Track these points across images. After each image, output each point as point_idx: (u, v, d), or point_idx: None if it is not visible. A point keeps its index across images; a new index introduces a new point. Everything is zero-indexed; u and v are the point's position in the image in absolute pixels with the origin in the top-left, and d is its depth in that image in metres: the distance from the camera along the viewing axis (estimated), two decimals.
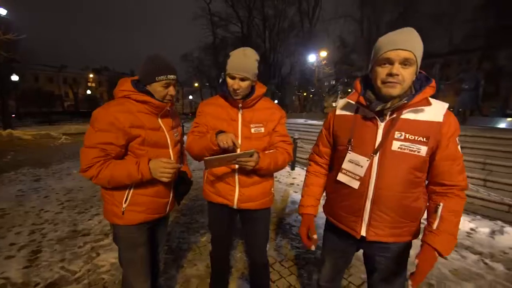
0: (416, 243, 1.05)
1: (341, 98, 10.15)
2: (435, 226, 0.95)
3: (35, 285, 2.09)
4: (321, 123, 9.46)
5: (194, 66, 27.99)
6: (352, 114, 1.09)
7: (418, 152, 0.95)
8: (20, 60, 16.14)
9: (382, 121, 0.99)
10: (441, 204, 0.96)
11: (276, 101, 21.27)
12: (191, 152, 1.43)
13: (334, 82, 21.02)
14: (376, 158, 0.99)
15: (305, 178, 1.32)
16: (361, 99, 1.01)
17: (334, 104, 9.68)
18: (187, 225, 3.17)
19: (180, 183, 1.41)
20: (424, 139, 0.94)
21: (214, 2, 25.13)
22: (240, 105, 1.39)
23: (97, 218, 3.39)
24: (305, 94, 24.66)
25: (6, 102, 14.80)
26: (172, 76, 1.24)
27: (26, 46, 17.08)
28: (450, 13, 23.07)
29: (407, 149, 0.95)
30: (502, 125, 6.95)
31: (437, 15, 22.11)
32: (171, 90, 1.28)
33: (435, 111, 0.96)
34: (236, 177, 1.40)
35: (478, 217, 3.43)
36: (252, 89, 1.41)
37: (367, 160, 1.00)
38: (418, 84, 0.98)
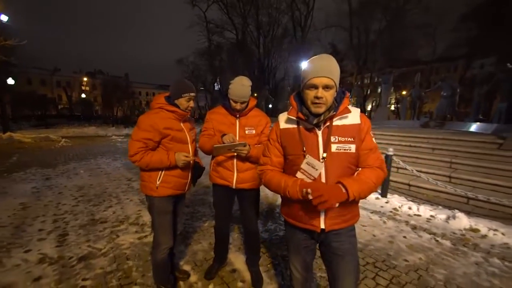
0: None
1: None
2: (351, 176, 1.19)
3: (69, 259, 2.54)
4: None
5: (189, 71, 28.48)
6: (295, 126, 1.26)
7: (350, 150, 1.18)
8: (17, 64, 16.36)
9: (319, 130, 1.20)
10: (359, 169, 1.22)
11: (270, 106, 21.96)
12: (203, 149, 1.97)
13: None
14: (323, 160, 1.19)
15: (270, 179, 1.30)
16: (300, 115, 1.21)
17: None
18: (191, 214, 3.67)
19: (195, 169, 1.93)
20: (351, 139, 1.19)
21: (210, 10, 25.71)
22: (238, 115, 1.94)
23: (111, 209, 3.85)
24: None
25: (4, 106, 14.99)
26: (192, 94, 1.78)
27: (24, 49, 17.35)
28: (434, 23, 24.34)
29: (342, 149, 1.18)
30: (471, 128, 7.65)
31: (422, 25, 23.25)
32: (191, 103, 1.81)
33: (354, 115, 1.21)
34: (235, 164, 1.94)
35: (440, 207, 4.01)
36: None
37: (322, 163, 1.17)
38: (339, 97, 1.22)
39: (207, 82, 28.74)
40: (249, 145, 1.84)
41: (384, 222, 3.50)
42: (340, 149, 1.18)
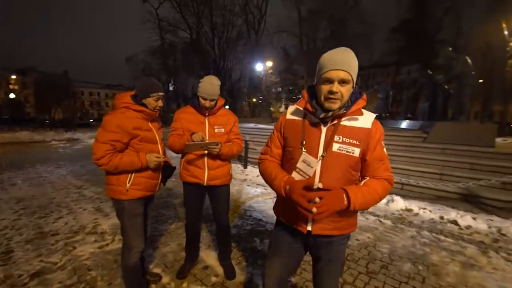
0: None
1: (285, 104, 11.33)
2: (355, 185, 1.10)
3: (18, 277, 2.26)
4: (270, 127, 10.43)
5: (139, 69, 26.69)
6: (301, 119, 1.19)
7: (353, 153, 1.09)
8: None
9: (325, 126, 1.12)
10: (367, 178, 1.14)
11: (227, 107, 21.96)
12: (173, 148, 1.97)
13: (279, 90, 22.84)
14: (321, 159, 1.10)
15: (265, 169, 1.27)
16: (308, 106, 1.13)
17: (280, 110, 10.74)
18: (156, 218, 3.54)
19: (166, 169, 1.91)
20: (357, 142, 1.09)
21: (162, 8, 24.47)
22: (207, 113, 1.99)
23: (62, 220, 3.48)
24: (254, 100, 25.96)
25: None
26: (161, 93, 1.77)
27: None
28: (370, 33, 27.29)
29: (344, 150, 1.09)
30: (402, 125, 8.86)
31: (360, 35, 25.82)
32: (160, 103, 1.79)
33: (366, 119, 1.12)
34: (206, 162, 1.99)
35: None
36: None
37: (317, 162, 1.09)
38: (354, 97, 1.12)
39: (161, 81, 27.21)
40: (220, 144, 1.90)
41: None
42: (342, 150, 1.09)
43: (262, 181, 5.27)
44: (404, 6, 25.63)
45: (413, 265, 2.47)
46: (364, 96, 1.14)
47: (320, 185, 1.10)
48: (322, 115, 1.09)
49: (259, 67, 20.66)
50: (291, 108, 1.28)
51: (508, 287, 2.19)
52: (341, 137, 1.10)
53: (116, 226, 3.21)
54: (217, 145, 1.87)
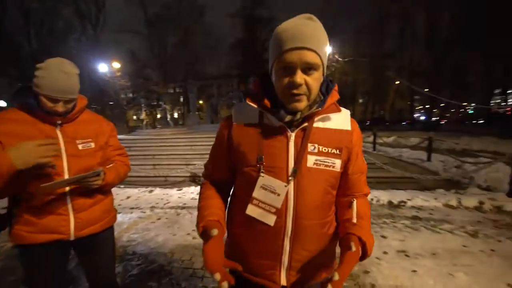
0: None
1: (146, 111, 9.99)
2: (354, 220, 0.77)
3: None
4: (128, 137, 8.71)
5: None
6: (256, 122, 0.80)
7: (333, 167, 0.77)
8: None
9: (292, 132, 0.76)
10: (354, 200, 0.82)
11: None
12: None
13: (132, 95, 19.89)
14: (292, 180, 0.75)
15: (199, 201, 0.90)
16: (266, 102, 0.75)
17: (141, 117, 9.27)
18: None
19: None
20: (337, 151, 0.77)
21: None
22: (59, 121, 1.17)
23: None
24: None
25: None
26: None
27: None
28: (216, 46, 29.73)
29: (322, 164, 0.76)
30: None
31: (206, 46, 27.51)
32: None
33: (343, 118, 0.81)
34: (69, 203, 1.17)
35: None
36: None
37: (286, 186, 0.74)
38: (324, 86, 0.80)
39: None
40: (104, 172, 1.17)
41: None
42: (320, 164, 0.75)
43: (137, 203, 4.24)
44: (238, 28, 29.75)
45: None
46: (336, 86, 0.81)
47: (289, 229, 0.75)
48: (287, 119, 0.74)
49: (103, 68, 17.04)
50: (238, 106, 0.86)
51: None
52: (316, 145, 0.75)
53: None
54: (98, 175, 1.13)
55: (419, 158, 7.02)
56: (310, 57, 0.66)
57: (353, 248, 0.66)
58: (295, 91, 0.69)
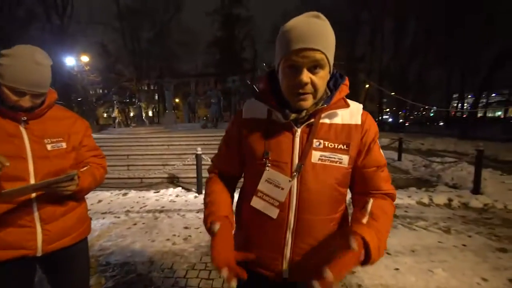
0: None
1: (118, 108, 9.37)
2: (364, 221, 0.71)
3: None
4: (99, 136, 8.08)
5: None
6: (264, 118, 0.82)
7: (340, 162, 0.76)
8: None
9: (298, 128, 0.77)
10: (371, 199, 0.76)
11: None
12: None
13: (103, 91, 18.60)
14: (296, 175, 0.76)
15: (206, 195, 0.90)
16: (272, 101, 0.78)
17: (105, 115, 8.65)
18: None
19: None
20: (345, 146, 0.76)
21: None
22: (25, 117, 0.99)
23: None
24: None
25: None
26: None
27: None
28: (193, 44, 29.00)
29: (328, 160, 0.75)
30: None
31: (183, 43, 26.74)
32: None
33: (353, 113, 0.79)
34: (36, 212, 1.00)
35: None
36: None
37: (290, 181, 0.75)
38: (333, 83, 0.80)
39: None
40: (78, 176, 1.00)
41: None
42: (326, 160, 0.75)
43: (110, 207, 3.92)
44: (216, 26, 29.30)
45: None
46: (347, 81, 0.80)
47: (291, 223, 0.76)
48: (292, 117, 0.75)
49: (70, 61, 15.71)
50: (248, 103, 0.88)
51: None
52: (321, 141, 0.76)
53: None
54: (72, 179, 0.96)
55: (390, 157, 7.37)
56: (317, 56, 0.66)
57: (353, 246, 0.61)
58: (300, 90, 0.69)
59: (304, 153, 0.75)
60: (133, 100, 8.66)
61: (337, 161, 0.75)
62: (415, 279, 2.07)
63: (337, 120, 0.78)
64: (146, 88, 25.73)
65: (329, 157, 0.75)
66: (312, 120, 0.75)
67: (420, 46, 21.71)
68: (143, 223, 3.33)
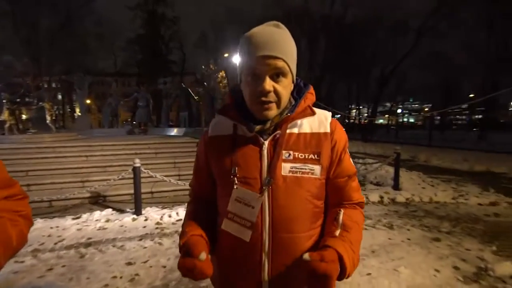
0: None
1: (8, 109, 6.96)
2: (337, 233, 0.69)
3: None
4: None
5: None
6: (230, 134, 0.77)
7: (312, 173, 0.72)
8: None
9: (265, 140, 0.74)
10: (342, 210, 0.74)
11: None
12: None
13: None
14: (265, 191, 0.71)
15: (184, 216, 0.86)
16: (233, 114, 0.76)
17: (1, 118, 6.24)
18: None
19: None
20: (315, 156, 0.73)
21: None
22: None
23: None
24: None
25: None
26: None
27: None
28: (110, 38, 25.27)
29: (299, 171, 0.72)
30: (172, 133, 9.09)
31: (99, 34, 23.06)
32: None
33: (321, 120, 0.77)
34: None
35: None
36: None
37: (259, 197, 0.70)
38: (297, 91, 0.79)
39: None
40: None
41: (161, 244, 2.91)
42: (297, 172, 0.71)
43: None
44: (138, 22, 26.48)
45: None
46: (311, 89, 0.78)
47: (266, 244, 0.70)
48: (257, 129, 0.71)
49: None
50: (214, 120, 0.85)
51: None
52: (291, 152, 0.72)
53: None
54: None
55: None
56: (278, 64, 0.66)
57: (305, 258, 0.58)
58: (263, 99, 0.67)
59: (273, 166, 0.70)
60: (28, 99, 6.56)
61: (309, 171, 0.71)
62: (388, 281, 2.14)
63: (306, 129, 0.75)
64: (46, 86, 20.59)
65: (301, 169, 0.71)
66: (279, 131, 0.72)
67: (329, 63, 25.37)
68: (63, 266, 2.42)
